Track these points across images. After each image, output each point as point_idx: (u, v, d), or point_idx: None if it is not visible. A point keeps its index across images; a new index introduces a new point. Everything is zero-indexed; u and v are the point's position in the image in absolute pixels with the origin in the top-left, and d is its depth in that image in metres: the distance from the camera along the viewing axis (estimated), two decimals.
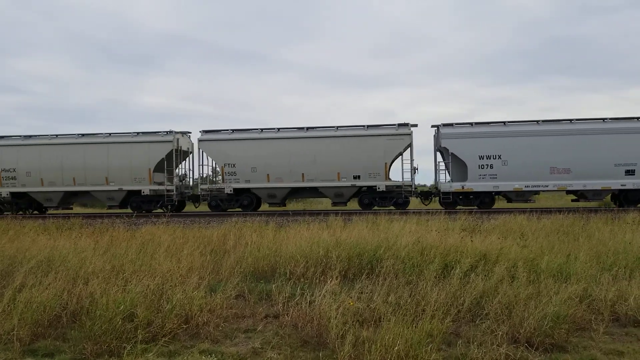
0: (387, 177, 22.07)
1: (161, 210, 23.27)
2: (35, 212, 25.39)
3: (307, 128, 22.98)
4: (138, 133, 23.93)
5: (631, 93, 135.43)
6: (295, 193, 23.74)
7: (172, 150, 23.42)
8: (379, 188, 21.95)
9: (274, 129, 23.26)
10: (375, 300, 6.35)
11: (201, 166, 23.88)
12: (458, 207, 21.73)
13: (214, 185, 23.33)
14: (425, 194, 23.07)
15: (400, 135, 22.07)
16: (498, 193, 21.88)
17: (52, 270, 7.61)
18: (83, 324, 5.78)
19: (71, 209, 25.93)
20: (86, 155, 23.72)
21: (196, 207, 25.26)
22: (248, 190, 23.04)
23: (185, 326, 5.99)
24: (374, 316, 5.97)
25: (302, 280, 7.64)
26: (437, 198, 22.55)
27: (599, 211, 17.53)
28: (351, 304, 6.14)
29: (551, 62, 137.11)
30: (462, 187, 21.46)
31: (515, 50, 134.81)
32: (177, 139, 23.70)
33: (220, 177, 23.53)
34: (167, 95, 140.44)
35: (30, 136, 24.60)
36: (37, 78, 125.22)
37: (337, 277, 7.24)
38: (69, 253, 8.88)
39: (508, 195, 21.70)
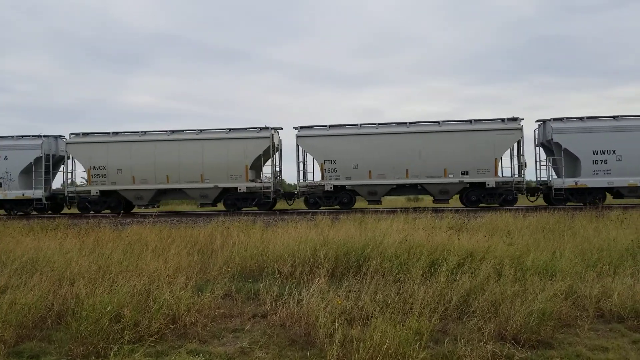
0: (497, 173, 21.53)
1: (255, 208, 22.55)
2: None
3: (409, 123, 22.40)
4: (230, 129, 23.22)
5: (616, 91, 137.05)
6: (397, 190, 22.99)
7: (269, 146, 22.76)
8: (488, 184, 21.34)
9: (373, 124, 22.66)
10: (363, 299, 6.36)
11: (300, 163, 22.94)
12: (568, 203, 21.41)
13: (312, 182, 22.44)
14: (532, 190, 22.51)
15: (510, 129, 21.53)
16: (611, 189, 21.37)
17: (37, 271, 7.53)
18: (69, 325, 5.72)
19: (158, 207, 25.27)
20: (180, 152, 22.96)
21: (290, 205, 24.51)
22: (347, 187, 22.40)
23: (172, 326, 5.96)
24: (362, 315, 5.98)
25: (290, 279, 7.63)
26: (542, 194, 22.26)
27: (584, 209, 17.71)
28: (339, 302, 6.15)
29: (536, 60, 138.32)
30: (576, 183, 21.07)
31: (501, 49, 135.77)
32: (273, 135, 23.02)
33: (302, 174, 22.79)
34: (152, 94, 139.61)
35: (117, 133, 23.74)
36: (21, 77, 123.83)
37: (324, 276, 7.24)
38: (54, 254, 8.80)
39: (621, 192, 21.21)
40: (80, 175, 26.94)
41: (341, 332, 5.31)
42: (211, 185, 22.73)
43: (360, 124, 22.69)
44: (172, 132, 23.54)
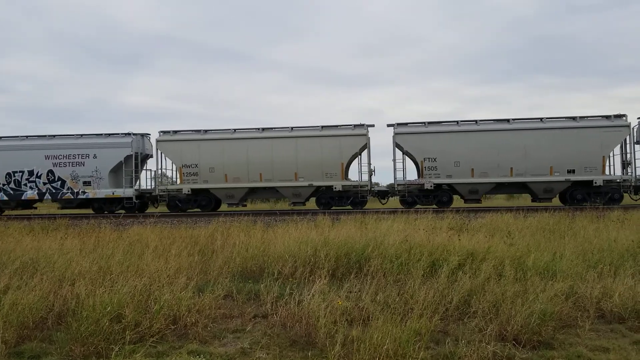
0: (604, 171, 21.29)
1: (349, 207, 22.26)
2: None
3: (511, 120, 22.11)
4: (323, 127, 22.84)
5: (616, 92, 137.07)
6: (498, 189, 22.66)
7: (366, 143, 22.43)
8: (595, 182, 21.04)
9: (472, 121, 22.37)
10: (363, 300, 6.36)
11: (396, 161, 22.56)
12: None
13: (411, 180, 22.01)
14: (637, 189, 21.98)
15: (617, 127, 21.29)
16: None
17: (37, 272, 7.53)
18: (69, 326, 5.73)
19: (245, 205, 24.88)
20: (274, 149, 22.71)
21: (383, 204, 23.94)
22: (448, 185, 22.08)
23: (173, 327, 5.97)
24: (362, 315, 5.98)
25: (290, 280, 7.63)
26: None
27: (585, 209, 17.70)
28: (340, 303, 6.15)
29: (536, 60, 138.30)
30: None
31: (501, 49, 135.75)
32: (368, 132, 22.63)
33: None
34: (152, 94, 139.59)
35: (207, 130, 23.54)
36: (21, 77, 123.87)
37: (325, 276, 7.24)
38: (54, 254, 8.80)
39: None
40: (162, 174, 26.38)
41: (342, 333, 5.30)
42: (305, 184, 22.48)
43: (458, 121, 22.37)
44: (264, 129, 23.21)
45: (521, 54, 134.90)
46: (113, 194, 23.17)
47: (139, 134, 24.13)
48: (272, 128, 23.30)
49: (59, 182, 23.43)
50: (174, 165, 23.78)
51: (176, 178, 24.00)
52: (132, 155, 23.45)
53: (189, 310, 6.17)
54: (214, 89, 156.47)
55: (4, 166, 23.61)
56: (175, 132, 23.67)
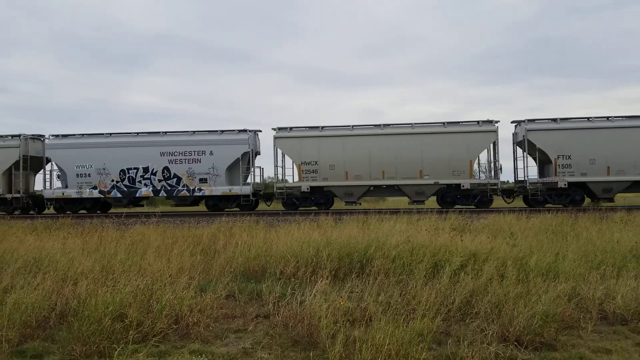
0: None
1: (473, 206, 21.62)
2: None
3: None
4: (446, 123, 22.05)
5: (618, 92, 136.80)
6: (632, 187, 21.67)
7: (496, 140, 21.76)
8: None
9: (604, 117, 21.63)
10: (365, 300, 6.36)
11: (527, 158, 21.86)
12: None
13: (544, 179, 21.36)
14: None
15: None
16: None
17: (40, 271, 7.56)
18: (71, 325, 5.74)
19: (360, 204, 24.22)
20: (397, 146, 21.94)
21: (508, 203, 22.74)
22: (583, 184, 21.29)
23: (175, 326, 5.97)
24: (364, 316, 5.98)
25: (292, 280, 7.63)
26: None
27: (587, 210, 17.67)
28: (342, 303, 6.14)
29: (537, 62, 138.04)
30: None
31: (502, 50, 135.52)
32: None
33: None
34: (154, 94, 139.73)
35: (325, 127, 22.74)
36: (23, 77, 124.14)
37: (327, 276, 7.24)
38: (57, 253, 8.82)
39: None
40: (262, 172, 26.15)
41: (343, 333, 5.30)
42: (431, 182, 21.79)
43: (589, 118, 21.69)
44: (385, 125, 22.49)
45: (522, 55, 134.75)
46: (230, 191, 22.77)
47: (253, 130, 23.60)
48: (390, 124, 22.55)
49: (175, 179, 23.10)
50: (292, 162, 23.11)
51: (280, 175, 23.76)
52: (248, 152, 23.02)
53: (191, 310, 6.17)
54: (214, 89, 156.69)
55: (118, 163, 23.28)
56: (291, 128, 22.95)
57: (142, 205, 25.08)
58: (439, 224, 12.89)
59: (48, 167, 24.55)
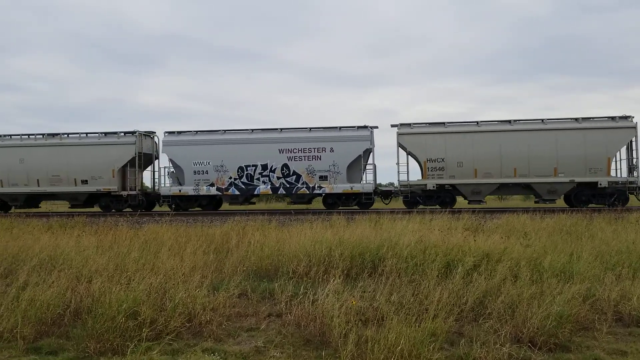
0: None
1: (603, 205, 20.85)
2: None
3: None
4: (579, 119, 21.41)
5: (631, 92, 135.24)
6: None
7: (636, 136, 20.90)
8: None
9: None
10: (378, 300, 6.34)
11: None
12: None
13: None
14: None
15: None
16: None
17: (55, 269, 7.63)
18: (85, 322, 5.79)
19: (485, 202, 23.21)
20: (530, 143, 21.23)
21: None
22: None
23: (188, 324, 6.00)
24: (376, 315, 5.97)
25: (305, 279, 7.63)
26: None
27: (602, 211, 17.48)
28: (354, 303, 6.14)
29: (550, 61, 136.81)
30: None
31: (514, 49, 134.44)
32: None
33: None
34: (165, 94, 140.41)
35: (448, 123, 22.14)
36: (36, 77, 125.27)
37: (339, 276, 7.23)
38: (71, 251, 8.90)
39: None
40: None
41: (355, 333, 5.30)
42: (566, 180, 21.07)
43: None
44: (515, 121, 21.89)
45: (534, 55, 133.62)
46: (351, 189, 22.29)
47: (372, 127, 22.99)
48: (519, 120, 21.99)
49: (294, 177, 22.74)
50: (417, 159, 22.47)
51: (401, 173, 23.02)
52: (370, 148, 22.65)
53: (204, 309, 6.20)
54: (223, 89, 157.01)
55: (236, 160, 23.04)
56: (413, 124, 22.50)
57: (254, 203, 24.77)
58: (452, 223, 12.82)
59: (161, 164, 24.66)
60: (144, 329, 5.56)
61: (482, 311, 6.25)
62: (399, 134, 22.30)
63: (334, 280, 6.85)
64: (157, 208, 25.74)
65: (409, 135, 22.21)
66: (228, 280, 7.32)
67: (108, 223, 14.65)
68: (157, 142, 25.14)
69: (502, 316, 5.92)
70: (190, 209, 23.51)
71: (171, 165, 23.91)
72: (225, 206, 25.59)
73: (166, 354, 5.37)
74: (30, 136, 24.51)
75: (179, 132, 23.76)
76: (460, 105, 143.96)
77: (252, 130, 23.48)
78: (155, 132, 25.01)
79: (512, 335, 5.59)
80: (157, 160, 25.14)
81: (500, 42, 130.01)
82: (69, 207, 24.84)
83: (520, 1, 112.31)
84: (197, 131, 23.73)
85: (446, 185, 21.97)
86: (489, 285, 6.74)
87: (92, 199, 24.50)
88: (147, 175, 26.63)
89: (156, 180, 25.19)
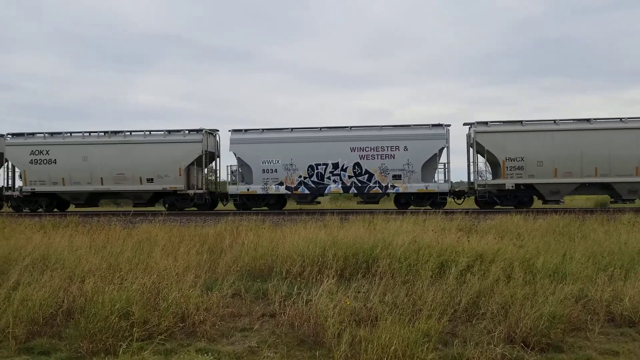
0: None
1: None
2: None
3: None
4: None
5: (624, 94, 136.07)
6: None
7: None
8: None
9: None
10: (371, 300, 6.35)
11: None
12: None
13: None
14: None
15: None
16: None
17: (47, 269, 7.59)
18: (78, 322, 5.77)
19: (563, 202, 22.63)
20: (612, 142, 20.79)
21: None
22: None
23: (181, 324, 5.99)
24: (370, 316, 5.98)
25: (298, 279, 7.63)
26: None
27: (595, 212, 17.57)
28: (347, 303, 6.14)
29: (542, 62, 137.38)
30: None
31: (506, 50, 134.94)
32: None
33: None
34: (157, 93, 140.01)
35: (525, 121, 21.57)
36: (27, 75, 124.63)
37: (333, 276, 7.23)
38: (64, 251, 8.86)
39: None
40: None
41: (349, 333, 5.31)
42: None
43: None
44: (595, 120, 21.42)
45: (527, 56, 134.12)
46: (426, 188, 21.68)
47: (446, 125, 22.30)
48: (598, 119, 21.58)
49: (366, 176, 22.14)
50: (493, 158, 21.76)
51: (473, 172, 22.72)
52: (445, 147, 22.03)
53: (197, 309, 6.19)
54: (217, 89, 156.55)
55: (306, 158, 22.45)
56: (489, 122, 21.84)
57: (319, 203, 24.11)
58: (446, 224, 12.84)
59: (225, 162, 24.21)
60: (135, 329, 5.54)
61: (475, 312, 6.28)
62: (476, 132, 21.74)
63: (327, 280, 6.85)
64: (219, 207, 25.11)
65: (488, 134, 21.67)
66: (221, 280, 7.31)
67: (101, 223, 14.59)
68: (218, 140, 24.59)
69: (495, 316, 5.94)
70: (254, 208, 22.91)
71: (238, 163, 23.30)
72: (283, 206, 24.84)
73: (159, 354, 5.36)
74: (92, 134, 23.85)
75: (246, 130, 23.16)
76: (453, 106, 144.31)
77: (321, 128, 22.99)
78: (218, 130, 24.39)
79: (505, 335, 5.61)
80: (218, 158, 24.58)
81: (494, 43, 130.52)
82: (132, 206, 24.47)
83: (511, 2, 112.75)
84: (263, 129, 23.14)
85: (521, 185, 21.51)
86: (482, 286, 6.76)
87: (155, 197, 24.17)
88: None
89: (214, 178, 24.76)
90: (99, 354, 5.35)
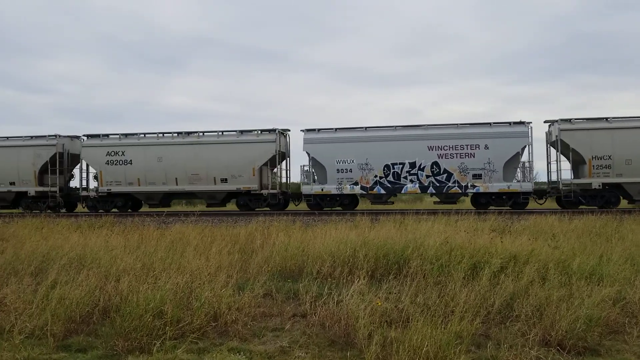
0: None
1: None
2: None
3: None
4: None
5: None
6: None
7: None
8: None
9: None
10: (403, 301, 6.31)
11: None
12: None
13: None
14: None
15: None
16: None
17: (84, 268, 7.77)
18: (114, 321, 5.88)
19: None
20: None
21: None
22: None
23: (214, 324, 6.05)
24: (402, 317, 5.94)
25: (329, 279, 7.64)
26: None
27: (633, 212, 17.12)
28: (379, 304, 6.12)
29: (577, 59, 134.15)
30: None
31: (540, 47, 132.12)
32: None
33: None
34: (192, 95, 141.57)
35: (607, 118, 20.96)
36: (65, 79, 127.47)
37: (364, 277, 7.21)
38: (100, 250, 9.06)
39: None
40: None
41: (380, 334, 5.28)
42: None
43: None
44: None
45: (561, 52, 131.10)
46: (509, 188, 21.10)
47: (527, 122, 21.69)
48: None
49: (445, 175, 21.72)
50: (578, 156, 21.12)
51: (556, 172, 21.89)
52: (527, 145, 21.44)
53: (229, 308, 6.24)
54: (250, 90, 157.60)
55: (381, 158, 22.11)
56: (572, 120, 21.27)
57: (392, 203, 23.74)
58: (478, 225, 12.69)
59: (295, 162, 24.10)
60: (168, 327, 5.63)
61: (509, 313, 6.18)
62: (560, 130, 21.08)
63: (358, 281, 6.84)
64: (290, 207, 25.00)
65: (573, 132, 21.01)
66: (253, 280, 7.36)
67: (135, 223, 14.86)
68: (288, 140, 24.45)
69: (530, 319, 5.84)
70: (327, 209, 22.81)
71: (310, 163, 23.11)
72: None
73: (192, 353, 5.42)
74: (166, 134, 24.14)
75: (319, 130, 22.99)
76: (487, 105, 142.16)
77: (395, 127, 22.61)
78: (289, 130, 24.26)
79: (540, 338, 5.50)
80: (288, 158, 24.51)
81: (526, 40, 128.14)
82: (206, 206, 24.60)
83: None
84: (336, 128, 22.93)
85: (607, 185, 20.82)
86: (516, 288, 6.66)
87: (227, 198, 24.32)
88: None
89: (286, 178, 24.65)
90: (134, 352, 5.44)
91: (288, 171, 24.96)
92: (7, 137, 25.32)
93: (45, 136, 24.93)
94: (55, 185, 24.34)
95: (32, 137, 25.20)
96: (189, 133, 23.86)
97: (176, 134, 23.99)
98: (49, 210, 24.14)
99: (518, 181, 21.49)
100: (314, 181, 22.96)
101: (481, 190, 21.35)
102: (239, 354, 5.36)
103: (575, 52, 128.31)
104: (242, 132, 23.53)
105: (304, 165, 23.51)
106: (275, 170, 24.28)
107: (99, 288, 6.87)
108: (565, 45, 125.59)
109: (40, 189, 24.46)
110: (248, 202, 23.39)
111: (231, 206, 26.00)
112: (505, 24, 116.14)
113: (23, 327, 5.79)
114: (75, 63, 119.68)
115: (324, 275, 7.84)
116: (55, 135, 24.78)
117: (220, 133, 23.67)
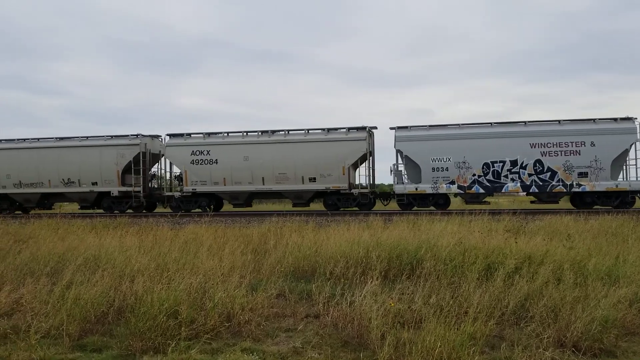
0: None
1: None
2: None
3: None
4: None
5: None
6: None
7: None
8: None
9: None
10: (416, 302, 6.29)
11: None
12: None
13: None
14: None
15: None
16: None
17: (99, 268, 7.83)
18: (129, 321, 5.92)
19: None
20: None
21: None
22: None
23: (227, 324, 6.07)
24: (415, 318, 5.91)
25: (342, 280, 7.62)
26: None
27: None
28: (392, 305, 6.10)
29: (591, 58, 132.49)
30: None
31: (552, 46, 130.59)
32: None
33: None
34: (202, 96, 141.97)
35: None
36: (77, 81, 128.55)
37: (377, 277, 7.20)
38: (115, 251, 9.12)
39: None
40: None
41: (393, 335, 5.27)
42: None
43: None
44: None
45: (574, 51, 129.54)
46: (616, 186, 20.32)
47: (634, 118, 20.85)
48: None
49: (548, 174, 20.93)
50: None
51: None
52: (637, 142, 20.53)
53: (242, 309, 6.26)
54: (258, 91, 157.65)
55: (480, 156, 21.45)
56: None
57: (488, 203, 22.72)
58: (492, 225, 12.59)
59: (379, 159, 23.23)
60: (182, 328, 5.66)
61: (523, 314, 6.13)
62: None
63: (371, 281, 6.83)
64: (378, 206, 24.42)
65: None
66: (266, 281, 7.38)
67: (149, 224, 14.95)
68: (373, 138, 23.76)
69: (544, 320, 5.79)
70: (418, 208, 22.03)
71: (404, 161, 22.34)
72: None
73: (206, 353, 5.44)
74: (250, 133, 23.69)
75: (410, 127, 22.50)
76: (500, 104, 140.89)
77: (492, 123, 22.02)
78: (376, 127, 23.49)
79: (555, 339, 5.45)
80: (371, 156, 23.48)
81: (537, 38, 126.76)
82: (292, 206, 24.16)
83: None
84: (429, 125, 22.39)
85: None
86: (530, 288, 6.60)
87: (314, 197, 23.83)
88: None
89: (370, 177, 23.94)
90: (148, 352, 5.48)
91: (373, 170, 23.98)
92: (87, 137, 25.09)
93: (127, 135, 24.83)
94: (139, 185, 24.21)
95: (112, 136, 25.05)
96: (273, 132, 23.48)
97: (260, 133, 23.58)
98: (129, 211, 24.12)
99: (627, 180, 20.70)
100: (402, 180, 22.29)
101: (587, 189, 20.53)
102: (252, 355, 5.37)
103: (588, 51, 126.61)
104: (329, 130, 23.08)
105: (394, 164, 22.68)
106: (362, 168, 23.71)
107: (113, 288, 6.93)
108: (578, 44, 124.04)
109: (124, 189, 24.22)
110: (337, 202, 22.94)
111: (317, 206, 25.37)
112: (516, 23, 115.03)
113: (39, 327, 5.86)
114: (86, 65, 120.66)
115: (337, 276, 7.83)
116: (138, 135, 24.70)
117: (307, 131, 23.25)
